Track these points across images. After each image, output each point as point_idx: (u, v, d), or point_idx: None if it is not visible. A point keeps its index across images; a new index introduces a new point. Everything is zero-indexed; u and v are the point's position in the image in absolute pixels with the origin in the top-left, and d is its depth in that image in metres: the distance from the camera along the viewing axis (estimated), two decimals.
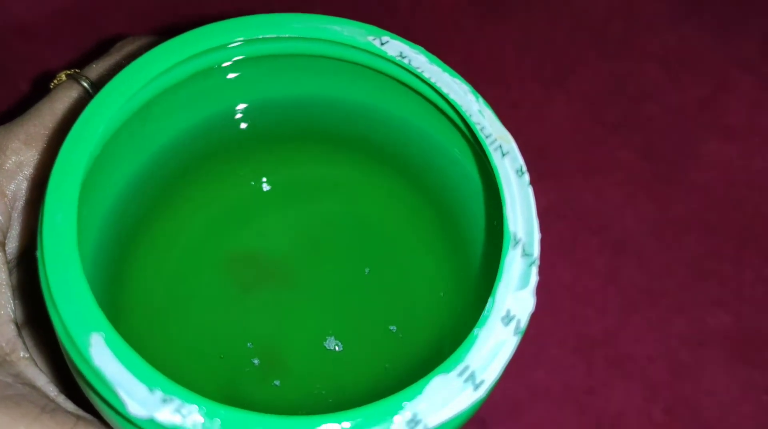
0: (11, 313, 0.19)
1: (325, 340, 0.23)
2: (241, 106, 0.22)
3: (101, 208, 0.20)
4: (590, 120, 0.42)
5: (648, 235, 0.38)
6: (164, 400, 0.15)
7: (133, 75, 0.19)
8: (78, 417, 0.18)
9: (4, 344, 0.18)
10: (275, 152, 0.24)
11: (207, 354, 0.22)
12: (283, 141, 0.23)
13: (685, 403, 0.34)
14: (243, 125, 0.23)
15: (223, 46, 0.19)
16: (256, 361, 0.22)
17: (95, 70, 0.23)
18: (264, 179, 0.24)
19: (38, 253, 0.16)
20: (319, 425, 0.15)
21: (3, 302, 0.19)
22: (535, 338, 0.36)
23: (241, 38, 0.19)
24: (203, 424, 0.15)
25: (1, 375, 0.18)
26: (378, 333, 0.23)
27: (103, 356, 0.15)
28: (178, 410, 0.15)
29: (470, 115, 0.20)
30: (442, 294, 0.23)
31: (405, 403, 0.16)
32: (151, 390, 0.15)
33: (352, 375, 0.23)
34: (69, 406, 0.19)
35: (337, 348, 0.23)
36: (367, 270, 0.23)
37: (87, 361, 0.15)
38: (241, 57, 0.20)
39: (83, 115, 0.18)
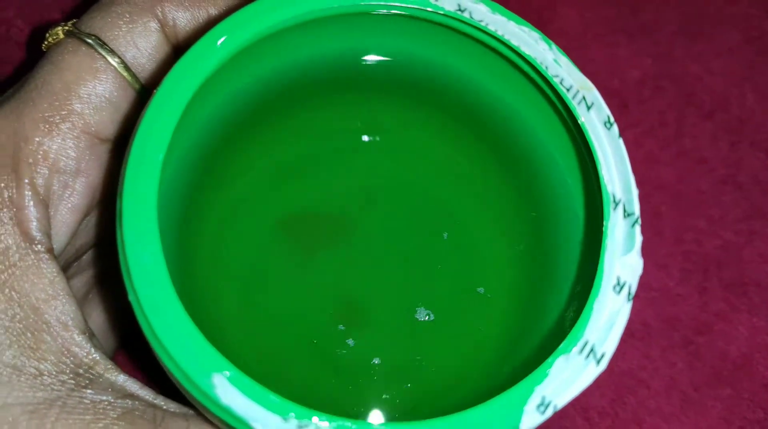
0: (81, 324, 0.18)
1: (416, 312, 0.22)
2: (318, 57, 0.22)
3: (178, 153, 0.20)
4: None
5: None
6: (300, 427, 0.15)
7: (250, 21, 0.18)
8: (186, 416, 0.18)
9: (86, 360, 0.18)
10: (350, 104, 0.23)
11: (296, 337, 0.22)
12: (361, 94, 0.23)
13: None
14: (318, 74, 0.22)
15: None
16: (350, 342, 0.22)
17: (97, 23, 0.20)
18: (336, 132, 0.24)
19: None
20: (463, 422, 0.15)
21: (70, 314, 0.18)
22: None
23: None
24: None
25: (99, 394, 0.18)
26: (467, 297, 0.22)
27: (230, 395, 0.16)
28: None
29: (546, 67, 0.19)
30: (522, 247, 0.22)
31: (535, 387, 0.16)
32: (285, 419, 0.15)
33: (449, 343, 0.22)
34: (171, 406, 0.19)
35: (428, 318, 0.22)
36: (445, 234, 0.23)
37: (215, 402, 0.16)
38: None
39: (192, 52, 0.18)
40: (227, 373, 0.15)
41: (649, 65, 0.30)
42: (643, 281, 0.27)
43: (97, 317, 0.23)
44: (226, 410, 0.15)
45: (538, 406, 0.16)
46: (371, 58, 0.22)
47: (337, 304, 0.22)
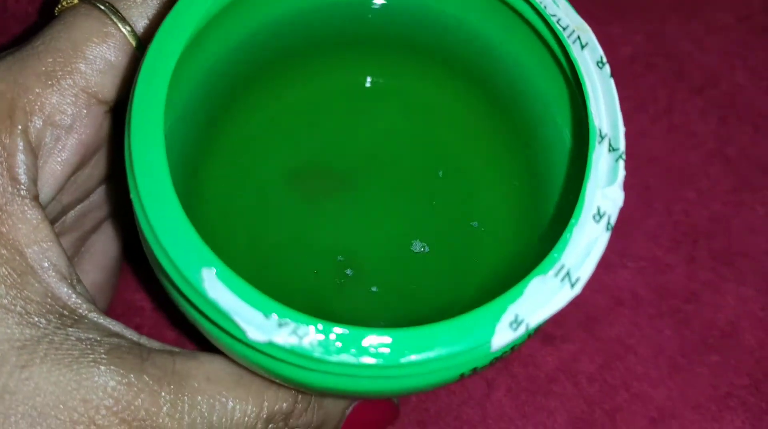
0: (65, 269, 0.19)
1: (411, 245, 0.23)
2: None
3: (181, 99, 0.21)
4: None
5: (764, 94, 0.30)
6: (280, 324, 0.16)
7: None
8: (171, 353, 0.19)
9: (69, 302, 0.19)
10: (347, 57, 0.24)
11: (299, 268, 0.23)
12: (367, 44, 0.24)
13: None
14: (320, 28, 0.23)
15: None
16: (349, 272, 0.23)
17: None
18: (343, 82, 0.25)
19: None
20: (433, 334, 0.16)
21: (52, 259, 0.19)
22: (620, 229, 0.27)
23: None
24: (320, 342, 0.16)
25: (86, 333, 0.18)
26: (461, 231, 0.23)
27: (217, 289, 0.16)
28: (294, 332, 0.16)
29: (545, 6, 0.20)
30: (516, 183, 0.23)
31: (509, 305, 0.17)
32: (266, 316, 0.16)
33: (443, 272, 0.23)
34: (155, 345, 0.20)
35: (424, 249, 0.23)
36: (440, 172, 0.24)
37: (202, 295, 0.16)
38: None
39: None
40: (215, 268, 0.16)
41: (641, 42, 0.31)
42: (633, 251, 0.28)
43: (88, 274, 0.24)
44: (212, 304, 0.16)
45: (511, 323, 0.16)
46: (378, 1, 0.23)
47: (338, 239, 0.23)
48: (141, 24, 0.21)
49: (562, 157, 0.21)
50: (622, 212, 0.28)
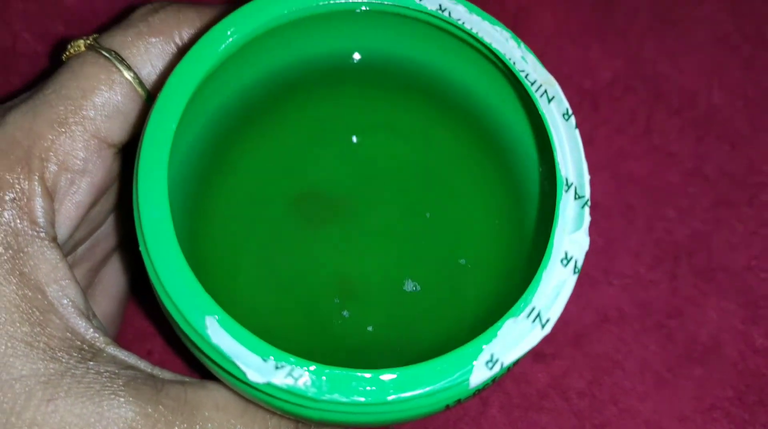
0: (82, 305, 0.20)
1: (404, 284, 0.24)
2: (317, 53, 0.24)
3: (187, 140, 0.22)
4: None
5: (741, 112, 0.31)
6: (277, 367, 0.17)
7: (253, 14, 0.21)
8: (183, 383, 0.20)
9: (88, 337, 0.20)
10: (345, 96, 0.26)
11: (300, 309, 0.24)
12: (355, 86, 0.25)
13: None
14: (320, 67, 0.25)
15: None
16: (345, 313, 0.24)
17: (117, 40, 0.22)
18: (333, 120, 0.26)
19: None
20: (416, 374, 0.17)
21: (71, 295, 0.20)
22: (603, 249, 0.29)
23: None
24: (313, 382, 0.17)
25: (104, 366, 0.20)
26: (450, 268, 0.24)
27: (219, 335, 0.18)
28: (289, 374, 0.17)
29: (513, 62, 0.21)
30: (498, 222, 0.25)
31: (483, 346, 0.18)
32: (264, 359, 0.18)
33: (434, 310, 0.24)
34: (167, 375, 0.21)
35: (415, 288, 0.24)
36: (428, 214, 0.25)
37: (206, 341, 0.18)
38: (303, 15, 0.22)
39: (194, 51, 0.20)
40: (217, 316, 0.18)
41: (620, 65, 0.32)
42: (617, 269, 0.29)
43: (100, 305, 0.25)
44: (215, 348, 0.18)
45: (487, 362, 0.18)
46: (357, 56, 0.24)
47: (333, 281, 0.24)
48: (145, 71, 0.22)
49: (535, 201, 0.23)
50: (607, 231, 0.30)
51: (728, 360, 0.28)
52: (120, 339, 0.27)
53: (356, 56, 0.24)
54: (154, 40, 0.22)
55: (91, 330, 0.20)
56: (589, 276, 0.29)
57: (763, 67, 0.32)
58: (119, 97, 0.21)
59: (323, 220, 0.25)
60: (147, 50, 0.22)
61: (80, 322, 0.20)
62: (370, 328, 0.24)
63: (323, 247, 0.25)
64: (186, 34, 0.22)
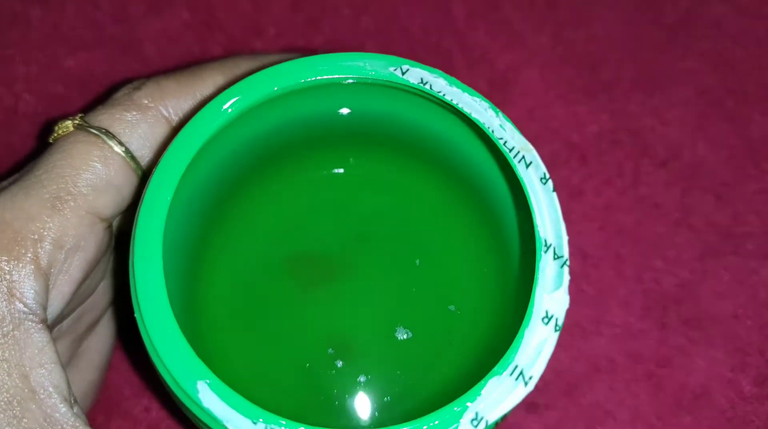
0: (65, 391, 0.20)
1: (395, 331, 0.25)
2: (305, 118, 0.25)
3: (182, 205, 0.23)
4: (645, 22, 0.34)
5: (725, 164, 0.32)
6: None
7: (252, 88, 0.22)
8: None
9: (68, 426, 0.20)
10: (333, 154, 0.27)
11: (293, 362, 0.25)
12: (343, 144, 0.27)
13: None
14: (309, 130, 0.26)
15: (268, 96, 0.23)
16: (339, 363, 0.25)
17: (105, 117, 0.23)
18: (322, 179, 0.27)
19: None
20: None
21: (54, 381, 0.20)
22: (593, 299, 0.30)
23: (278, 86, 0.23)
24: None
25: None
26: (440, 314, 0.26)
27: (210, 399, 0.19)
28: None
29: (492, 131, 0.22)
30: (485, 270, 0.26)
31: (468, 404, 0.19)
32: (254, 423, 0.19)
33: (426, 358, 0.25)
34: None
35: (406, 336, 0.25)
36: (417, 261, 0.26)
37: (198, 404, 0.19)
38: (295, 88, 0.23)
39: (200, 116, 0.22)
40: (208, 381, 0.19)
41: (606, 120, 0.33)
42: (607, 319, 0.30)
43: (82, 373, 0.25)
44: (207, 412, 0.19)
45: (472, 420, 0.19)
46: (345, 111, 0.25)
47: (326, 332, 0.25)
48: (135, 145, 0.23)
49: (517, 255, 0.24)
50: (596, 281, 0.31)
51: (717, 408, 0.29)
52: (118, 395, 0.28)
53: (344, 111, 0.25)
54: (141, 117, 0.23)
55: (72, 418, 0.20)
56: (580, 326, 0.30)
57: (746, 119, 0.34)
58: (112, 172, 0.22)
59: (316, 278, 0.26)
60: (135, 125, 0.23)
61: (61, 409, 0.20)
62: (362, 379, 0.24)
63: (316, 303, 0.26)
64: (170, 105, 0.23)
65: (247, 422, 0.18)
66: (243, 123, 0.23)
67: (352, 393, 0.24)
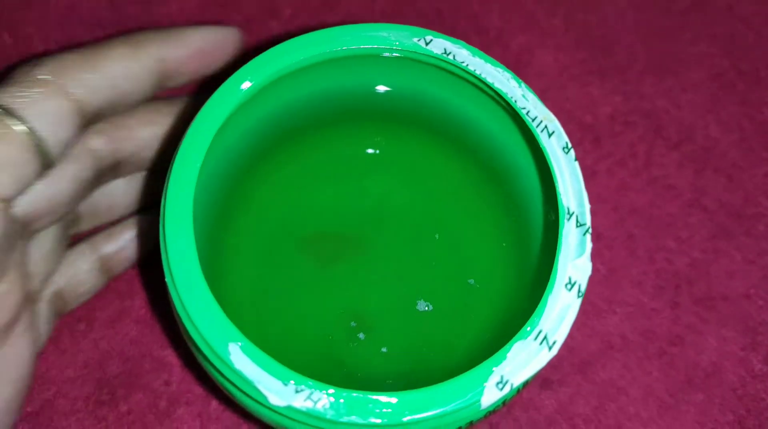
0: None
1: (416, 304, 0.26)
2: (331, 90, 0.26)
3: (208, 177, 0.23)
4: (657, 5, 0.35)
5: (737, 145, 0.32)
6: (297, 391, 0.19)
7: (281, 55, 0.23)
8: None
9: None
10: (353, 129, 0.27)
11: (317, 333, 0.26)
12: (371, 120, 0.27)
13: None
14: (330, 105, 0.26)
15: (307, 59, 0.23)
16: (361, 336, 0.25)
17: (7, 98, 0.22)
18: (345, 154, 0.28)
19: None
20: (430, 396, 0.19)
21: None
22: (606, 278, 0.30)
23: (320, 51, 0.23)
24: (332, 404, 0.19)
25: None
26: (459, 288, 0.26)
27: (242, 361, 0.19)
28: (309, 397, 0.19)
29: (515, 101, 0.23)
30: (504, 244, 0.26)
31: (494, 368, 0.20)
32: (285, 384, 0.19)
33: (446, 329, 0.26)
34: None
35: (428, 308, 0.26)
36: (437, 236, 0.27)
37: (230, 366, 0.19)
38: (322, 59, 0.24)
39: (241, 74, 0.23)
40: (240, 343, 0.19)
41: (619, 102, 0.34)
42: (620, 298, 0.31)
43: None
44: (238, 374, 0.19)
45: (497, 384, 0.19)
46: (381, 88, 0.26)
47: (349, 306, 0.26)
48: (37, 123, 0.22)
49: (539, 227, 0.24)
50: (610, 261, 0.31)
51: (728, 385, 0.30)
52: (138, 369, 0.29)
53: (378, 89, 0.26)
54: (40, 91, 0.22)
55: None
56: (593, 305, 0.31)
57: (758, 101, 0.34)
58: (12, 151, 0.21)
59: (339, 253, 0.27)
60: (35, 102, 0.22)
61: None
62: (384, 350, 0.25)
63: (339, 278, 0.26)
64: (73, 79, 0.22)
65: (278, 383, 0.19)
66: (263, 98, 0.23)
67: (374, 363, 0.25)
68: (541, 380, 0.30)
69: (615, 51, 0.35)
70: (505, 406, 0.27)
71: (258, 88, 0.23)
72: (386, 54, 0.24)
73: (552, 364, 0.30)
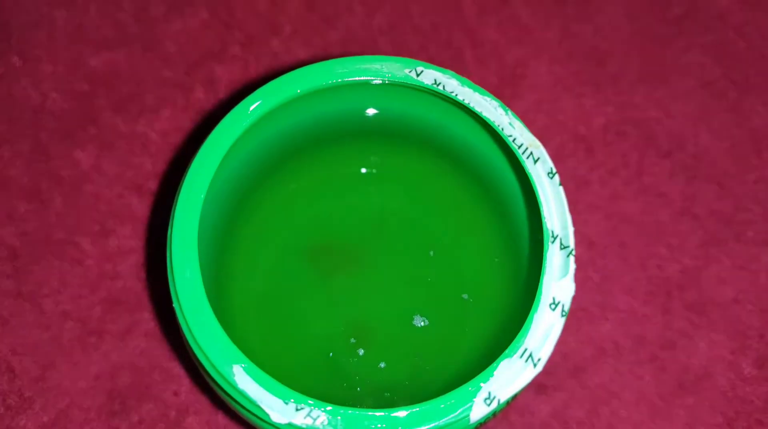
0: None
1: (413, 319, 0.27)
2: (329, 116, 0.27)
3: (213, 197, 0.25)
4: (651, 15, 0.36)
5: (727, 153, 0.34)
6: (297, 409, 0.21)
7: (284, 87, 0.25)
8: None
9: None
10: (349, 148, 0.29)
11: (319, 350, 0.27)
12: (366, 140, 0.29)
13: None
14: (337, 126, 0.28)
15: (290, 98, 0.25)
16: (360, 352, 0.27)
17: None
18: (347, 173, 0.29)
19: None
20: (422, 412, 0.20)
21: None
22: (599, 285, 0.32)
23: (299, 90, 0.25)
24: (330, 421, 0.20)
25: None
26: (454, 303, 0.27)
27: (245, 381, 0.21)
28: (308, 414, 0.20)
29: (502, 128, 0.24)
30: (496, 260, 0.28)
31: (482, 384, 0.21)
32: (286, 402, 0.21)
33: (442, 343, 0.27)
34: None
35: (424, 323, 0.27)
36: (431, 252, 0.28)
37: (234, 386, 0.21)
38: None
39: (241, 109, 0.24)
40: (243, 364, 0.21)
41: (612, 112, 0.35)
42: (613, 304, 0.32)
43: None
44: (242, 393, 0.21)
45: (485, 399, 0.21)
46: (372, 111, 0.27)
47: (348, 321, 0.27)
48: None
49: (527, 246, 0.26)
50: (602, 268, 0.33)
51: (718, 389, 0.31)
52: (148, 380, 0.30)
53: (370, 111, 0.27)
54: None
55: None
56: (586, 311, 0.32)
57: (748, 109, 0.35)
58: None
59: (337, 269, 0.28)
60: None
61: None
62: (382, 365, 0.26)
63: (339, 293, 0.28)
64: None
65: (279, 402, 0.20)
66: (267, 123, 0.25)
67: (373, 377, 0.26)
68: (536, 386, 0.31)
69: (608, 62, 0.36)
70: (500, 413, 0.28)
71: (258, 118, 0.24)
72: (381, 82, 0.25)
73: (546, 371, 0.31)
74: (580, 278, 0.32)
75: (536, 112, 0.35)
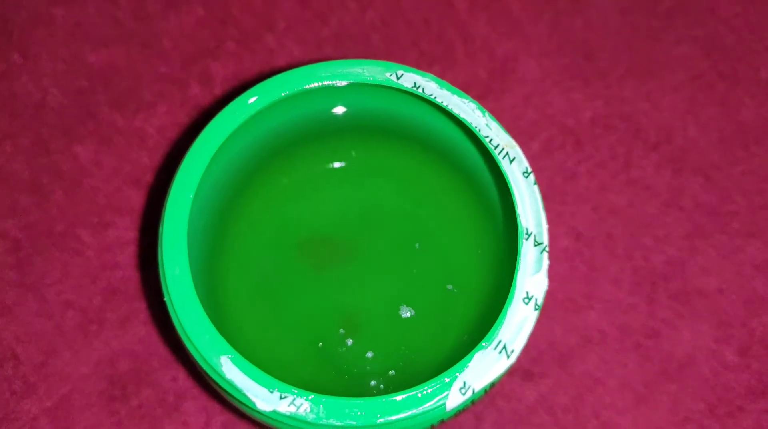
0: None
1: (400, 309, 0.29)
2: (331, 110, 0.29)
3: (204, 192, 0.26)
4: (641, 9, 0.37)
5: (714, 147, 0.35)
6: (281, 397, 0.22)
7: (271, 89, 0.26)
8: None
9: None
10: (330, 143, 0.30)
11: (308, 341, 0.29)
12: (351, 136, 0.30)
13: (763, 341, 0.32)
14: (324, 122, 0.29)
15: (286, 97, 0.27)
16: (349, 342, 0.28)
17: None
18: (327, 170, 0.31)
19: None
20: (400, 400, 0.22)
21: None
22: (585, 275, 0.33)
23: (287, 92, 0.26)
24: (312, 409, 0.22)
25: None
26: (439, 293, 0.29)
27: (232, 371, 0.23)
28: (292, 402, 0.22)
29: (479, 130, 0.26)
30: (480, 251, 0.29)
31: (457, 374, 0.22)
32: (270, 391, 0.22)
33: (428, 333, 0.29)
34: None
35: (410, 314, 0.29)
36: (417, 244, 0.30)
37: (221, 376, 0.23)
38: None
39: (221, 118, 0.26)
40: (230, 355, 0.22)
41: (600, 106, 0.36)
42: (598, 294, 0.33)
43: None
44: (229, 382, 0.22)
45: (461, 389, 0.22)
46: (356, 109, 0.28)
47: (337, 313, 0.29)
48: None
49: (506, 240, 0.27)
50: (589, 259, 0.34)
51: (701, 376, 0.32)
52: (147, 366, 0.32)
53: (339, 110, 0.29)
54: None
55: None
56: (572, 301, 0.33)
57: (736, 101, 0.36)
58: None
59: (325, 261, 0.29)
60: None
61: None
62: (370, 354, 0.28)
63: (328, 284, 0.29)
64: None
65: (264, 391, 0.22)
66: (256, 122, 0.26)
67: (361, 366, 0.27)
68: (523, 372, 0.32)
69: (597, 55, 0.37)
70: (483, 399, 0.29)
71: (246, 118, 0.25)
72: (363, 83, 0.26)
73: (533, 358, 0.33)
74: (567, 268, 0.33)
75: (525, 106, 0.36)
